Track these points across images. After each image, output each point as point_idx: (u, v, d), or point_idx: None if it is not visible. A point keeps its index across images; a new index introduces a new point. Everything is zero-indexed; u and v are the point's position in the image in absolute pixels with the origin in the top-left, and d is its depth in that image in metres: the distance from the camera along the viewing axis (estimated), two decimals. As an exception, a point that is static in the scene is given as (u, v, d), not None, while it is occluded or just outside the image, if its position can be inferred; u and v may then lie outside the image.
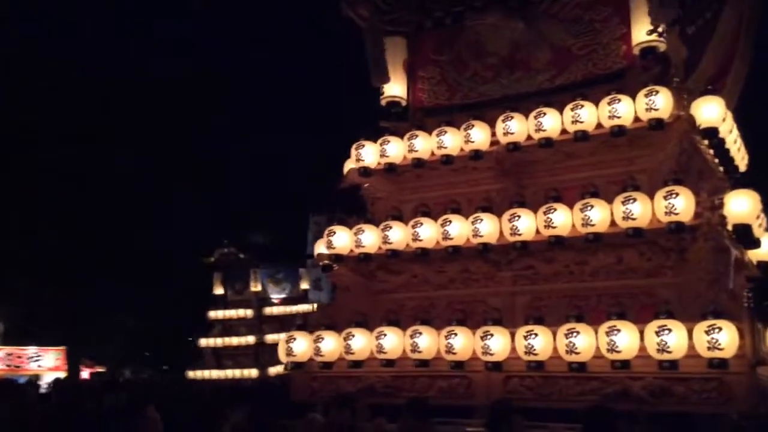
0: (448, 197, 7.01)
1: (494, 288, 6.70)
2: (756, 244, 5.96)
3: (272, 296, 18.56)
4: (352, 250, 7.02)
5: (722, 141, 6.36)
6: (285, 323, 17.37)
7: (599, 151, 6.53)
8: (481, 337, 5.71)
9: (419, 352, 6.02)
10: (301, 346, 6.56)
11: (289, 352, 6.57)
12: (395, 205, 7.26)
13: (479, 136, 6.79)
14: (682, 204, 5.50)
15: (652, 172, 6.25)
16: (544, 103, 6.56)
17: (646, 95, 6.01)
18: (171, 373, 20.00)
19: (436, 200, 7.13)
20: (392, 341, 6.18)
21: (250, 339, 17.31)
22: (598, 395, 5.40)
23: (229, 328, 17.85)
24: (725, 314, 4.98)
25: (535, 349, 5.48)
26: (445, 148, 6.91)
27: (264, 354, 16.94)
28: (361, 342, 6.30)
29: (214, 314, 18.06)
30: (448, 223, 6.47)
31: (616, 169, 6.43)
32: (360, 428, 5.70)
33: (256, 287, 18.21)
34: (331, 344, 6.44)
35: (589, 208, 5.80)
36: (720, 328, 4.86)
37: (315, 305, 17.76)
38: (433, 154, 7.08)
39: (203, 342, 17.74)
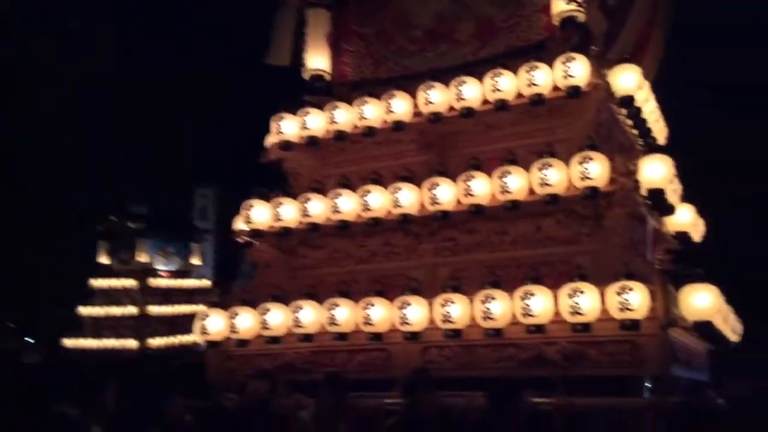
0: (372, 171, 6.86)
1: (416, 261, 6.58)
2: (670, 210, 6.00)
3: (159, 268, 18.14)
4: (271, 225, 6.82)
5: (639, 110, 6.39)
6: (171, 296, 17.19)
7: (520, 121, 6.48)
8: (399, 308, 5.59)
9: (337, 325, 5.87)
10: (216, 323, 6.32)
11: (204, 330, 6.33)
12: (318, 179, 7.08)
13: (401, 107, 6.67)
14: (597, 169, 5.48)
15: (572, 141, 6.18)
16: (466, 73, 6.47)
17: (564, 63, 5.97)
18: (39, 343, 18.93)
19: (360, 174, 6.96)
20: (310, 315, 6.01)
21: (133, 310, 16.91)
22: (514, 362, 5.35)
23: (111, 297, 17.34)
24: (637, 276, 4.97)
25: (452, 317, 5.39)
26: (367, 119, 6.77)
27: (146, 326, 16.59)
28: (278, 317, 6.11)
29: (96, 283, 17.45)
30: (367, 194, 6.33)
31: (537, 139, 6.36)
32: (279, 405, 5.53)
33: (142, 258, 17.77)
34: (247, 321, 6.23)
35: (507, 175, 5.74)
36: (631, 289, 4.85)
37: (204, 280, 17.69)
38: (355, 126, 6.94)
39: (83, 311, 17.13)
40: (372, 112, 6.76)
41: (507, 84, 6.23)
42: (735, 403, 5.22)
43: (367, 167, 7.02)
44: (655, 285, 5.00)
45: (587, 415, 4.89)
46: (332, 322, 5.88)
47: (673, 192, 5.89)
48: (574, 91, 5.95)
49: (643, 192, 5.63)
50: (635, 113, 6.36)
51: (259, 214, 6.78)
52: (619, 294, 4.87)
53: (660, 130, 7.19)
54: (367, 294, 6.01)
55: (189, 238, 18.66)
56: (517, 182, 5.73)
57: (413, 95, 6.70)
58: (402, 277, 6.54)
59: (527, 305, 5.12)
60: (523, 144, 6.39)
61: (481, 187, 5.87)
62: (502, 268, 6.11)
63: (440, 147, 6.84)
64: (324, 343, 6.12)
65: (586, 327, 4.99)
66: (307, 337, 6.04)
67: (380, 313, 5.73)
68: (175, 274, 18.21)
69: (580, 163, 5.51)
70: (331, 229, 6.58)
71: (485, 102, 6.40)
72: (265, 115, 7.38)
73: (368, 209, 6.31)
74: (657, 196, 5.66)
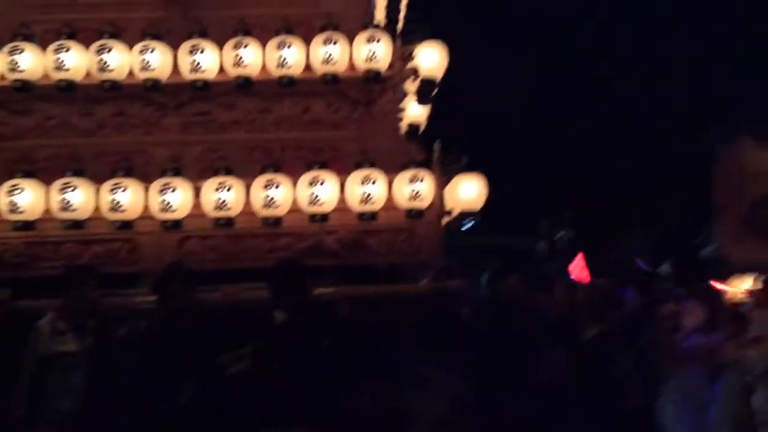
0: (96, 21, 5.54)
1: (158, 136, 5.61)
2: (430, 101, 6.09)
3: None
4: (-44, 79, 5.15)
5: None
6: None
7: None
8: (160, 191, 4.74)
9: (72, 210, 4.77)
10: None
11: None
12: (22, 23, 5.48)
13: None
14: (383, 51, 5.22)
15: (340, 17, 5.76)
16: None
17: None
18: None
19: (80, 24, 5.55)
20: (30, 198, 4.76)
21: None
22: (289, 251, 5.00)
23: None
24: (424, 165, 4.97)
25: (227, 204, 4.77)
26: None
27: None
28: (-20, 199, 4.73)
29: None
30: (105, 51, 5.13)
31: (301, 9, 5.78)
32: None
33: None
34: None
35: (286, 46, 5.13)
36: (423, 179, 4.83)
37: None
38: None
39: None
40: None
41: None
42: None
43: (89, 17, 5.63)
44: (436, 173, 5.06)
45: (367, 303, 4.85)
46: (65, 207, 4.75)
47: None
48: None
49: (417, 80, 5.58)
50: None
51: (-62, 62, 5.04)
52: (411, 182, 4.81)
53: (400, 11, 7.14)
54: (96, 175, 4.99)
55: None
56: (295, 55, 5.17)
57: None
58: (140, 154, 5.54)
59: (314, 193, 4.77)
60: (286, 13, 5.70)
61: (253, 57, 5.18)
62: (263, 150, 5.59)
63: (185, 4, 5.82)
64: (46, 232, 4.95)
65: (374, 216, 4.86)
66: (27, 225, 4.81)
67: (131, 198, 4.80)
68: None
69: (368, 42, 5.18)
70: (50, 89, 5.23)
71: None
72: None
73: (106, 70, 5.13)
74: (429, 85, 5.67)
